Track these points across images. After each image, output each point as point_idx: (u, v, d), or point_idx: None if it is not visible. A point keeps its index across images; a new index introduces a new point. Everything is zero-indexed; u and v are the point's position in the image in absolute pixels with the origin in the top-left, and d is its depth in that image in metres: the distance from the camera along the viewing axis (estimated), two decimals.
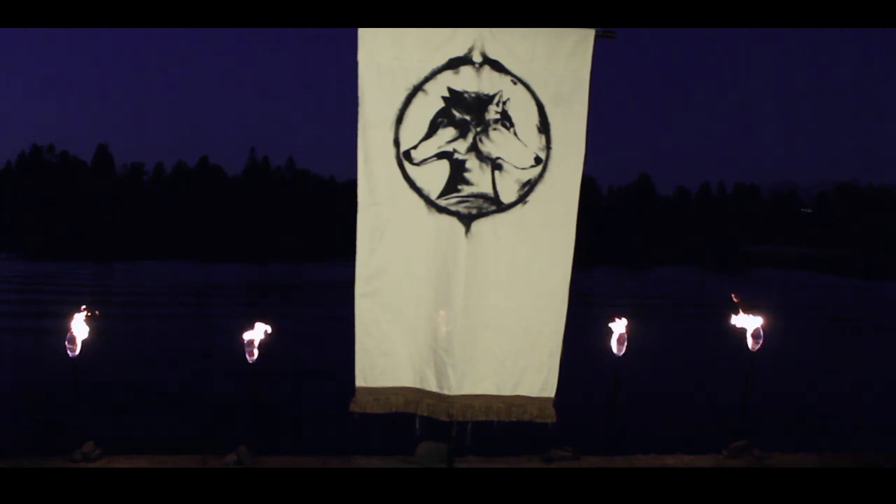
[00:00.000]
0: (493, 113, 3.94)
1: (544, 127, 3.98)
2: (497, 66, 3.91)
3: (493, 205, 3.98)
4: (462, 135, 3.94)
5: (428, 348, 4.05)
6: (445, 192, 3.96)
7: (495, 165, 3.96)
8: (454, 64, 3.90)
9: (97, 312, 5.71)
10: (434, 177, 3.95)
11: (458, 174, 3.95)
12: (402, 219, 3.97)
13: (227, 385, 9.99)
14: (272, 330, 5.80)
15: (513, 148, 3.96)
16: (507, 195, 3.98)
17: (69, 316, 5.65)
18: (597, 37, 3.97)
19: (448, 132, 3.94)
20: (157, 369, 12.01)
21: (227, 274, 34.90)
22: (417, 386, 4.10)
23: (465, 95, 3.92)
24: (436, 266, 3.99)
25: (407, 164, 3.94)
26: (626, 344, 6.12)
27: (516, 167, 3.98)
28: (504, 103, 3.94)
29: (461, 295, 3.97)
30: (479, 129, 3.94)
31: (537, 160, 3.98)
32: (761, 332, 6.19)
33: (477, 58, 3.90)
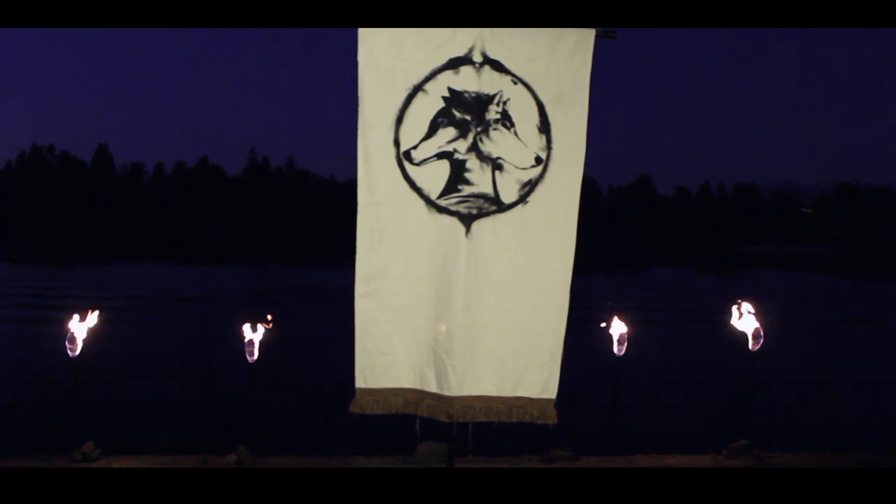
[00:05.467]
0: (493, 113, 3.93)
1: (545, 127, 3.97)
2: (497, 66, 3.91)
3: (494, 205, 3.97)
4: (462, 135, 3.93)
5: (428, 349, 4.04)
6: (446, 192, 3.95)
7: (496, 165, 3.96)
8: (454, 64, 3.89)
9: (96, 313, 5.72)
10: (434, 177, 3.95)
11: (458, 174, 3.95)
12: (403, 219, 3.96)
13: (227, 385, 9.98)
14: (269, 330, 5.81)
15: (513, 148, 3.96)
16: (508, 195, 3.98)
17: (69, 316, 5.65)
18: (597, 37, 3.96)
19: (448, 132, 3.93)
20: (158, 370, 12.01)
21: (227, 274, 34.91)
22: (417, 387, 4.09)
23: (466, 95, 3.91)
24: (436, 266, 3.99)
25: (407, 164, 3.93)
26: (626, 344, 6.13)
27: (517, 167, 3.97)
28: (504, 103, 3.93)
29: (461, 295, 3.96)
30: (479, 129, 3.94)
31: (538, 160, 3.98)
32: (761, 332, 6.19)
33: (477, 58, 3.90)
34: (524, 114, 3.95)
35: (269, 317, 5.82)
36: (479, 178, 3.95)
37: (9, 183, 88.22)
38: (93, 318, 5.67)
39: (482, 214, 3.97)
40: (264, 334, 5.83)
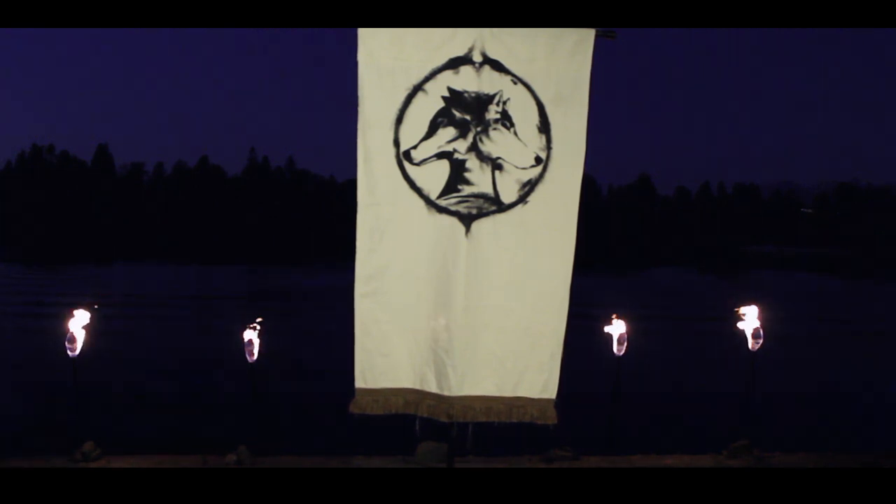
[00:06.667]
0: (493, 113, 3.93)
1: (544, 127, 3.97)
2: (497, 66, 3.91)
3: (494, 205, 3.97)
4: (462, 135, 3.93)
5: (428, 349, 4.04)
6: (445, 192, 3.95)
7: (495, 165, 3.96)
8: (454, 64, 3.89)
9: (95, 307, 5.72)
10: (434, 177, 3.94)
11: (458, 174, 3.95)
12: (402, 219, 3.96)
13: (227, 385, 9.99)
14: (269, 331, 5.81)
15: (513, 148, 3.96)
16: (508, 195, 3.97)
17: (69, 316, 5.65)
18: (597, 37, 3.96)
19: (448, 132, 3.93)
20: (158, 370, 12.01)
21: (226, 275, 34.90)
22: (417, 387, 4.08)
23: (466, 95, 3.91)
24: (436, 266, 3.98)
25: (407, 164, 3.93)
26: (626, 344, 6.13)
27: (517, 167, 3.97)
28: (504, 103, 3.93)
29: (461, 295, 3.95)
30: (479, 129, 3.93)
31: (538, 160, 3.98)
32: (761, 332, 6.20)
33: (477, 57, 3.90)
34: (524, 114, 3.95)
35: (259, 320, 5.84)
36: (479, 178, 3.95)
37: (9, 183, 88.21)
38: (87, 315, 5.66)
39: (482, 214, 3.97)
40: (264, 335, 5.83)
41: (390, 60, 3.87)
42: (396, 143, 3.91)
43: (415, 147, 3.92)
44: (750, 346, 6.21)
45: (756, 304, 6.34)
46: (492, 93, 3.92)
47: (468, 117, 3.92)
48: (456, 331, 3.97)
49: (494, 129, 3.94)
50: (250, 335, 5.78)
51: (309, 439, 7.65)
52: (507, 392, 4.08)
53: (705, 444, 6.30)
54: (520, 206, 3.99)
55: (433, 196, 3.95)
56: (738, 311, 6.34)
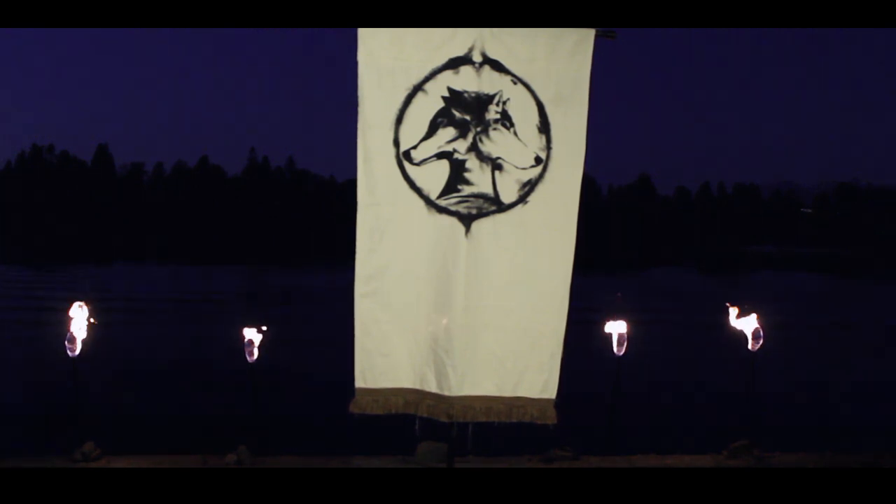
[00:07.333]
0: (493, 113, 3.93)
1: (544, 127, 3.97)
2: (497, 66, 3.91)
3: (494, 205, 3.97)
4: (462, 135, 3.93)
5: (428, 349, 4.04)
6: (445, 192, 3.95)
7: (495, 165, 3.96)
8: (454, 64, 3.90)
9: (92, 320, 5.71)
10: (434, 177, 3.95)
11: (458, 174, 3.95)
12: (402, 219, 3.96)
13: (227, 386, 9.98)
14: (269, 330, 5.82)
15: (513, 148, 3.96)
16: (508, 195, 3.98)
17: (69, 316, 5.65)
18: (597, 37, 3.97)
19: (448, 132, 3.93)
20: (157, 370, 12.01)
21: (226, 275, 34.90)
22: (417, 387, 4.08)
23: (465, 95, 3.91)
24: (436, 266, 3.99)
25: (407, 164, 3.93)
26: (626, 344, 6.13)
27: (516, 167, 3.97)
28: (504, 103, 3.94)
29: (461, 295, 3.96)
30: (479, 129, 3.94)
31: (538, 160, 3.98)
32: (761, 332, 6.20)
33: (477, 57, 3.90)
34: (524, 114, 3.95)
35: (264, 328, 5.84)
36: (479, 178, 3.96)
37: (9, 183, 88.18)
38: (85, 312, 5.65)
39: (482, 214, 3.97)
40: (263, 335, 5.83)
41: (390, 60, 3.88)
42: (396, 143, 3.92)
43: (415, 147, 3.93)
44: (750, 346, 6.21)
45: (735, 305, 6.35)
46: (492, 93, 3.92)
47: (468, 117, 3.92)
48: (456, 331, 3.97)
49: (494, 129, 3.94)
50: (250, 335, 5.78)
51: (309, 439, 7.64)
52: (507, 392, 4.08)
53: (705, 444, 6.29)
54: (520, 206, 3.99)
55: (433, 196, 3.95)
56: (732, 308, 6.35)
